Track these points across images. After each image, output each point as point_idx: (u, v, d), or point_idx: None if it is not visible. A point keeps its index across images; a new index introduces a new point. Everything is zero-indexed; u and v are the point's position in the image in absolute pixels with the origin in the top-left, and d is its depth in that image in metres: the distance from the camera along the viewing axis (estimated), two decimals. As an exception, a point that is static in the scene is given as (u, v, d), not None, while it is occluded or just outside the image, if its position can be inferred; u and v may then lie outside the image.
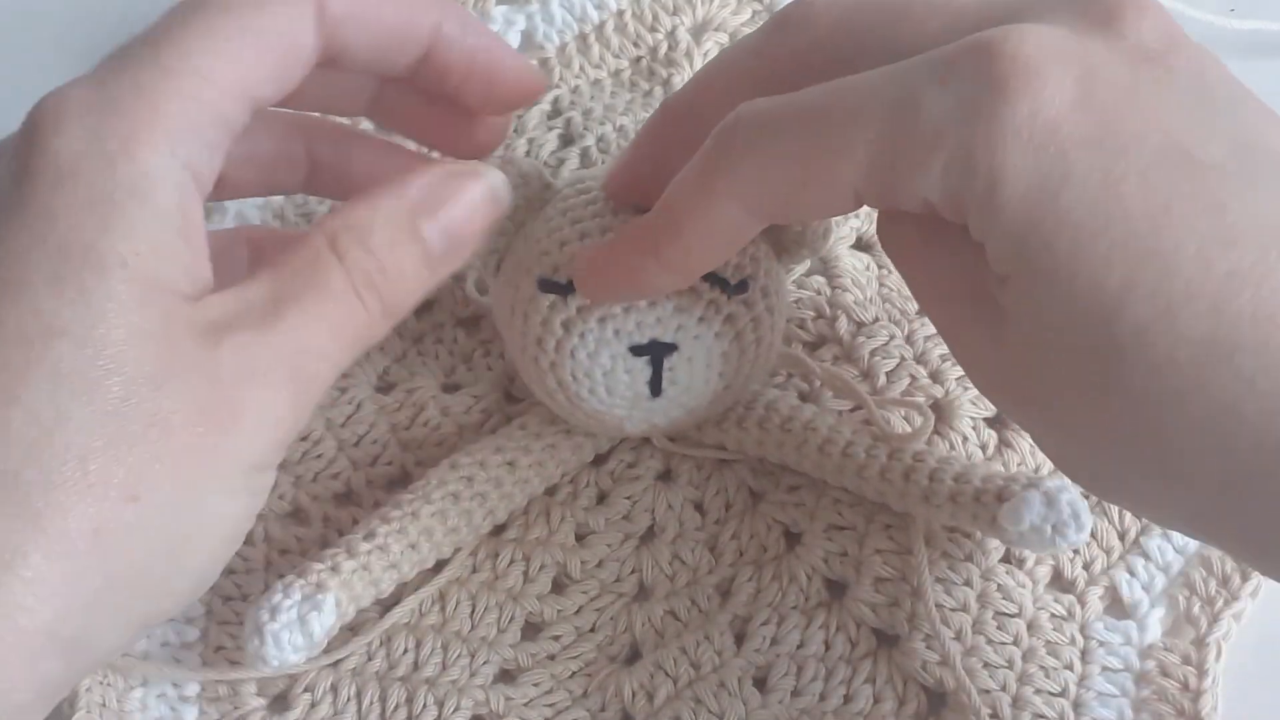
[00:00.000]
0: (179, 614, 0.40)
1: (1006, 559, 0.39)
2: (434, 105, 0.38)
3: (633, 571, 0.41)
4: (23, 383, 0.27)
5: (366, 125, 0.46)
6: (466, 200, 0.33)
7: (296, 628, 0.35)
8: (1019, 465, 0.40)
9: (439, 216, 0.32)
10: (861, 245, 0.44)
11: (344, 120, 0.43)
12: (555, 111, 0.47)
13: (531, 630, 0.40)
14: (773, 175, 0.29)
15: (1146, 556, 0.39)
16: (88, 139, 0.29)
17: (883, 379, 0.41)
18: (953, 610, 0.38)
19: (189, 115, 0.30)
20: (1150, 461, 0.27)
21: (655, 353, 0.35)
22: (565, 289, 0.35)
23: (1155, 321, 0.25)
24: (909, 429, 0.39)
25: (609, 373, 0.35)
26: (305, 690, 0.39)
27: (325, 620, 0.36)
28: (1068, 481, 0.36)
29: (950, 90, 0.26)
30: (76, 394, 0.27)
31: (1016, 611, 0.38)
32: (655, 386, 0.36)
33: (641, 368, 0.35)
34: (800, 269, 0.43)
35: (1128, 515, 0.40)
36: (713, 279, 0.35)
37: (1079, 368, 0.26)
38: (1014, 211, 0.26)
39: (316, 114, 0.39)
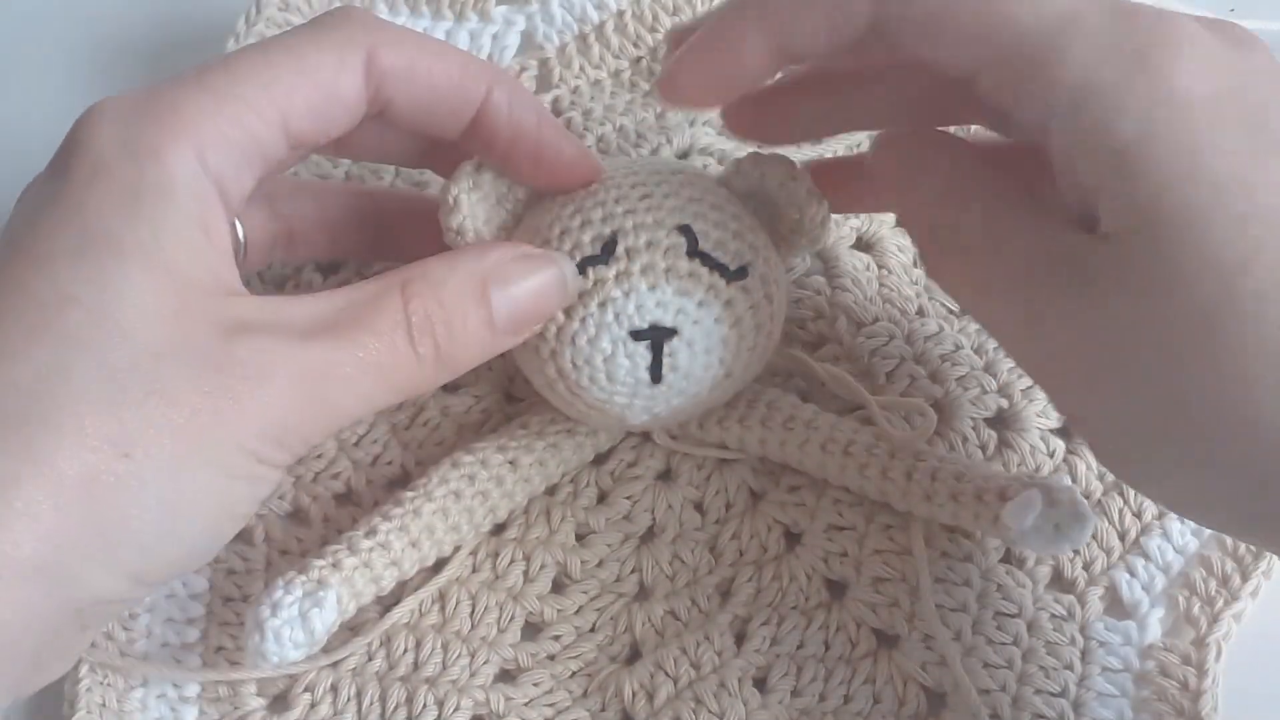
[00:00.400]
0: (176, 581, 0.41)
1: (1006, 559, 0.39)
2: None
3: (633, 571, 0.41)
4: (35, 341, 0.29)
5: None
6: (537, 280, 0.35)
7: (297, 624, 0.35)
8: (1019, 465, 0.40)
9: (509, 288, 0.34)
10: (861, 245, 0.44)
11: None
12: (555, 112, 0.47)
13: (532, 630, 0.40)
14: None
15: (1146, 556, 0.39)
16: (121, 141, 0.31)
17: (882, 379, 0.41)
18: (952, 610, 0.38)
19: (221, 130, 0.32)
20: (1240, 430, 0.27)
21: (655, 337, 0.35)
22: None
23: (1276, 288, 0.26)
24: (910, 429, 0.39)
25: (609, 358, 0.35)
26: (305, 690, 0.39)
27: (326, 617, 0.36)
28: (1069, 482, 0.36)
29: (1112, 28, 0.28)
30: (83, 356, 0.29)
31: (1016, 612, 0.38)
32: (655, 373, 0.36)
33: (642, 353, 0.35)
34: (800, 268, 0.43)
35: (1127, 515, 0.40)
36: (712, 263, 0.35)
37: (1186, 328, 0.27)
38: (1159, 163, 0.27)
39: (385, 186, 0.41)
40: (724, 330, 0.36)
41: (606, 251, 0.35)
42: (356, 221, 0.41)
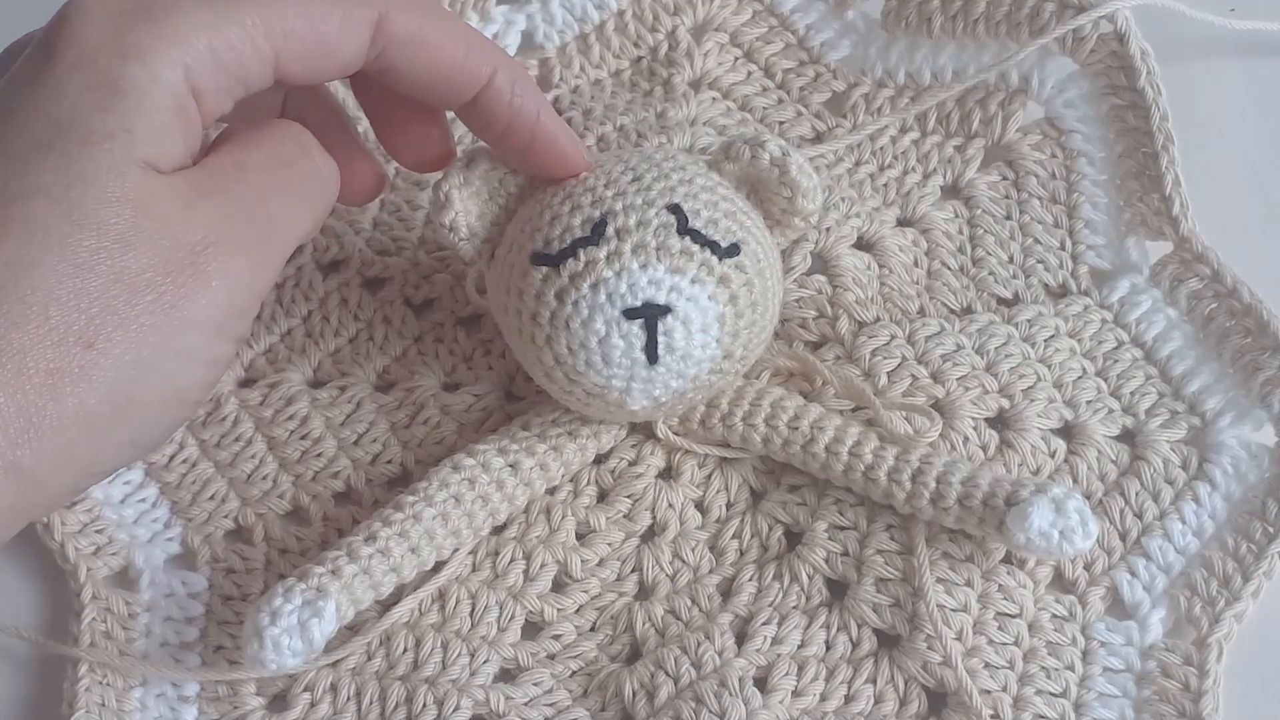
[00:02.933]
0: (175, 580, 0.41)
1: (1008, 559, 0.39)
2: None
3: (634, 570, 0.40)
4: (1, 234, 0.29)
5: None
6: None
7: (296, 633, 0.35)
8: (1019, 465, 0.40)
9: None
10: (863, 244, 0.44)
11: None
12: (555, 112, 0.47)
13: (532, 629, 0.40)
14: None
15: (1148, 557, 0.39)
16: (112, 33, 0.31)
17: (884, 379, 0.41)
18: (954, 611, 0.38)
19: (212, 48, 0.32)
20: None
21: (649, 315, 0.35)
22: (556, 260, 0.35)
23: None
24: (913, 431, 0.39)
25: (604, 339, 0.35)
26: (305, 690, 0.39)
27: (326, 627, 0.36)
28: (1073, 490, 0.36)
29: None
30: (48, 246, 0.29)
31: (1018, 612, 0.38)
32: (651, 352, 0.35)
33: (636, 333, 0.35)
34: (801, 267, 0.43)
35: (1128, 516, 0.40)
36: (703, 241, 0.35)
37: None
38: None
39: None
40: (719, 308, 0.36)
41: (596, 233, 0.35)
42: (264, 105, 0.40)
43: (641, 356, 0.35)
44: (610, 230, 0.35)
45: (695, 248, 0.35)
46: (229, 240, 0.32)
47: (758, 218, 0.37)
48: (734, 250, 0.36)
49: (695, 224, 0.35)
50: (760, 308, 0.37)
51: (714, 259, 0.35)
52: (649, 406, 0.37)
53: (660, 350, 0.35)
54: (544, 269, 0.35)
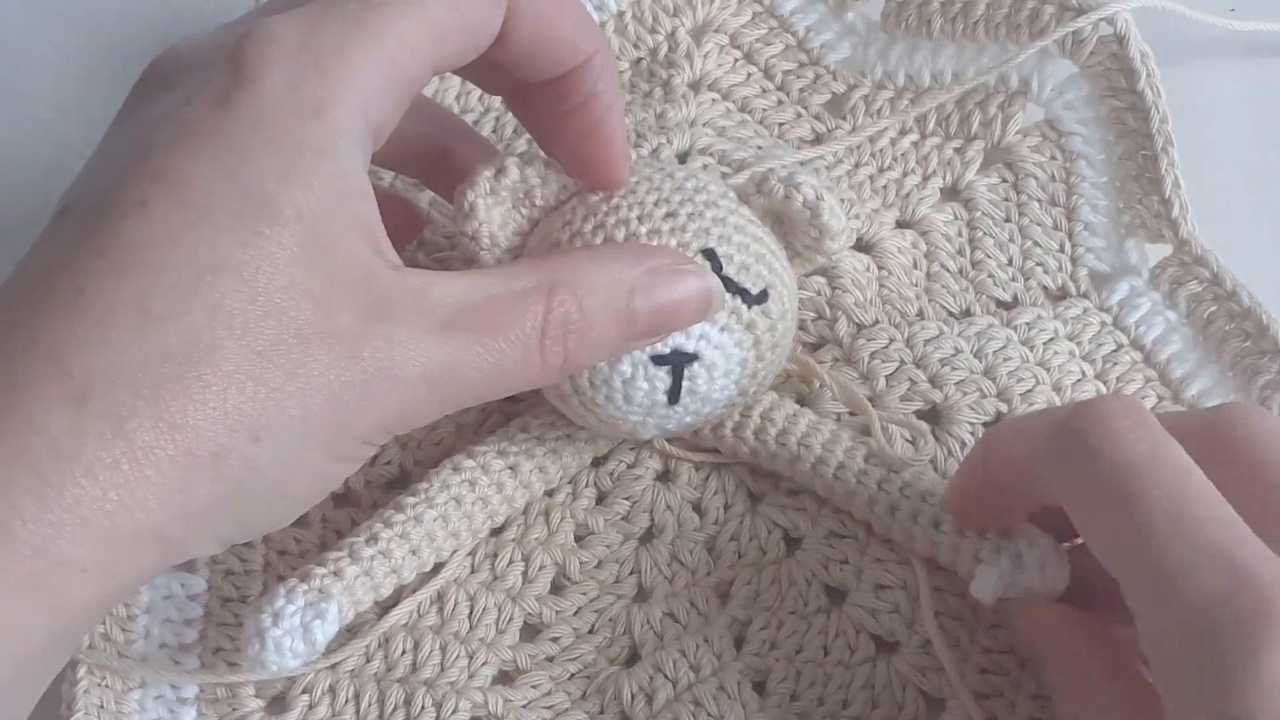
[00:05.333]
0: (174, 582, 0.41)
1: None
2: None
3: (632, 573, 0.41)
4: (187, 307, 0.28)
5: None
6: (683, 292, 0.34)
7: (299, 635, 0.35)
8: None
9: (655, 297, 0.34)
10: (862, 246, 0.44)
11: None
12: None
13: (530, 631, 0.40)
14: None
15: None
16: (289, 86, 0.30)
17: (882, 383, 0.41)
18: (950, 618, 0.38)
19: (384, 77, 0.31)
20: None
21: (676, 362, 0.35)
22: None
23: None
24: (908, 440, 0.39)
25: (628, 380, 0.35)
26: (303, 692, 0.39)
27: (329, 629, 0.36)
28: (1039, 534, 0.36)
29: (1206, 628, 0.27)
30: (233, 328, 0.28)
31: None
32: (674, 395, 0.35)
33: (661, 376, 0.35)
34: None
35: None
36: (734, 288, 0.35)
37: None
38: None
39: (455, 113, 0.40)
40: (743, 353, 0.36)
41: None
42: (427, 144, 0.40)
43: (663, 398, 0.35)
44: None
45: (727, 295, 0.35)
46: (402, 377, 0.30)
47: (782, 254, 0.37)
48: (763, 297, 0.36)
49: (728, 270, 0.35)
50: (780, 348, 0.37)
51: (744, 307, 0.35)
52: (658, 434, 0.38)
53: (683, 393, 0.35)
54: None
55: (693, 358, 0.35)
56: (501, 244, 0.37)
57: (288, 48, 0.30)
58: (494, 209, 0.36)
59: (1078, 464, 0.31)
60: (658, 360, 0.35)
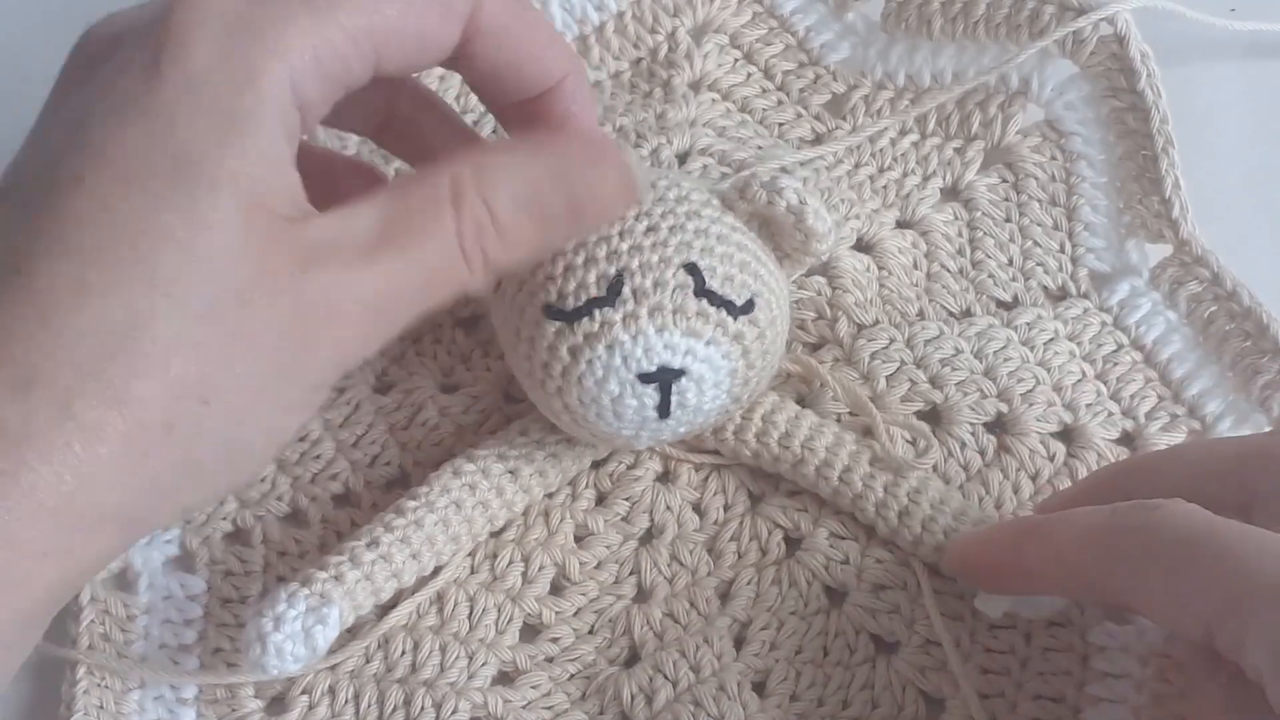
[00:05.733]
0: (174, 582, 0.41)
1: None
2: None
3: (632, 573, 0.41)
4: (125, 279, 0.28)
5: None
6: (600, 181, 0.34)
7: (300, 639, 0.35)
8: (1018, 470, 0.40)
9: (570, 182, 0.33)
10: (862, 246, 0.44)
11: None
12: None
13: (530, 632, 0.40)
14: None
15: (1146, 561, 0.39)
16: (221, 55, 0.30)
17: (882, 383, 0.41)
18: (951, 617, 0.38)
19: (317, 56, 0.31)
20: None
21: (664, 379, 0.35)
22: (571, 316, 0.35)
23: None
24: (909, 441, 0.39)
25: (617, 399, 0.35)
26: (303, 693, 0.39)
27: (330, 634, 0.36)
28: None
29: None
30: (171, 296, 0.28)
31: (1014, 620, 0.38)
32: (664, 410, 0.35)
33: (650, 393, 0.35)
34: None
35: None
36: (719, 301, 0.35)
37: None
38: None
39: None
40: (732, 364, 0.35)
41: (612, 292, 0.35)
42: (369, 101, 0.39)
43: (653, 414, 0.35)
44: (626, 290, 0.35)
45: (711, 309, 0.35)
46: (344, 314, 0.30)
47: (769, 259, 0.37)
48: (749, 307, 0.35)
49: (712, 284, 0.35)
50: (770, 354, 0.37)
51: (729, 319, 0.35)
52: (653, 444, 0.38)
53: (673, 407, 0.35)
54: (557, 323, 0.35)
55: (680, 373, 0.35)
56: None
57: (223, 15, 0.30)
58: None
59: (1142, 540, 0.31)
60: (645, 378, 0.35)
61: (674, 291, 0.35)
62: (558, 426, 0.39)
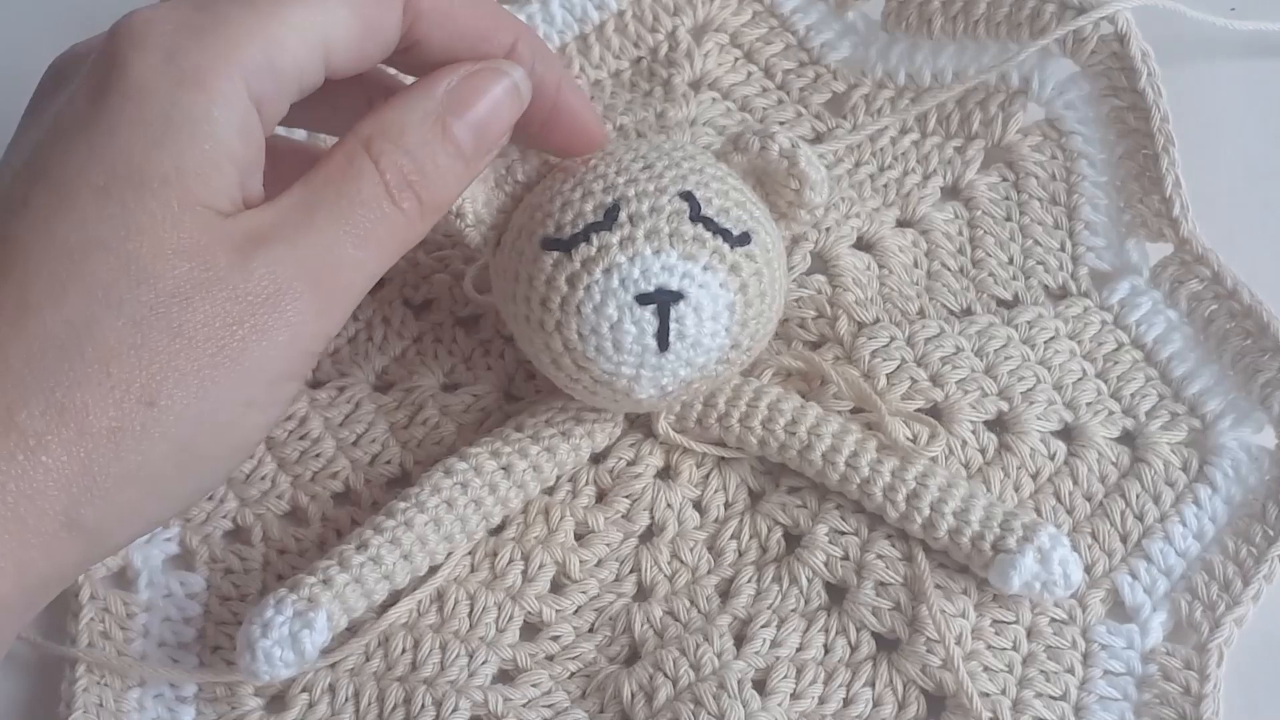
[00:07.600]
0: (174, 581, 0.41)
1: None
2: None
3: (632, 571, 0.40)
4: (62, 293, 0.29)
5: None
6: (491, 97, 0.34)
7: (288, 645, 0.35)
8: (1019, 469, 0.40)
9: (467, 114, 0.34)
10: (862, 245, 0.44)
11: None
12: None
13: (530, 630, 0.40)
14: None
15: (1149, 560, 0.39)
16: (164, 60, 0.30)
17: (883, 381, 0.41)
18: (953, 615, 0.38)
19: (267, 55, 0.31)
20: None
21: (662, 300, 0.35)
22: (568, 244, 0.35)
23: None
24: (913, 436, 0.39)
25: (616, 325, 0.35)
26: (303, 691, 0.39)
27: (317, 638, 0.36)
28: (1061, 535, 0.37)
29: None
30: (109, 304, 0.29)
31: (1015, 619, 0.38)
32: (663, 339, 0.35)
33: (648, 319, 0.35)
34: (801, 266, 0.43)
35: (1129, 518, 0.40)
36: (715, 228, 0.35)
37: None
38: None
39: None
40: (730, 296, 0.35)
41: (609, 218, 0.35)
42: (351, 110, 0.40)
43: (652, 343, 0.35)
44: (623, 216, 0.35)
45: (707, 235, 0.35)
46: (291, 291, 0.31)
47: (765, 209, 0.37)
48: (745, 239, 0.36)
49: (707, 211, 0.35)
50: (768, 298, 0.37)
51: (726, 247, 0.35)
52: (655, 396, 0.37)
53: (672, 337, 0.35)
54: (555, 254, 0.35)
55: (678, 296, 0.35)
56: (486, 220, 0.37)
57: (166, 23, 0.31)
58: (476, 185, 0.37)
59: None
60: (642, 299, 0.35)
61: (670, 216, 0.35)
62: (554, 414, 0.39)
